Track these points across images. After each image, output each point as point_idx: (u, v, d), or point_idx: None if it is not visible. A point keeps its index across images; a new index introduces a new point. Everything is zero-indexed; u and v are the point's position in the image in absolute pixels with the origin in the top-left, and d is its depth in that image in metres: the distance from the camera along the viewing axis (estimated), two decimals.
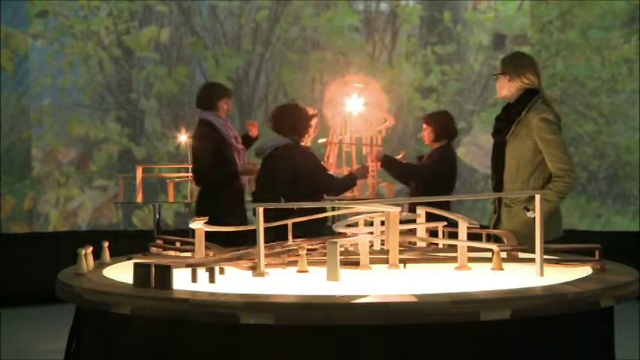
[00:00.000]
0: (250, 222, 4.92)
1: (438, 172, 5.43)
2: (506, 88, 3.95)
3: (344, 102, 5.13)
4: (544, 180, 3.82)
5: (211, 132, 5.09)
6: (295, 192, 4.42)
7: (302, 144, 4.81)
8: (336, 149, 5.19)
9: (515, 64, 3.96)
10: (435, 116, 5.68)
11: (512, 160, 3.88)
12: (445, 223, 3.39)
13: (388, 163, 5.33)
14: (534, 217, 3.74)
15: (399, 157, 5.55)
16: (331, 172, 5.02)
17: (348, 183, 4.94)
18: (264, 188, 4.76)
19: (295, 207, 3.46)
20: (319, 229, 3.55)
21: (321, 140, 5.24)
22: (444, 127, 5.55)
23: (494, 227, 3.93)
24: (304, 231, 3.36)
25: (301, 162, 4.64)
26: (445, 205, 4.35)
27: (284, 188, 4.59)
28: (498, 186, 3.95)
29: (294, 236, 3.36)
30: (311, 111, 4.96)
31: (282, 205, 3.45)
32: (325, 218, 3.90)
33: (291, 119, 4.75)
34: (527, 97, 3.89)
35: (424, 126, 5.61)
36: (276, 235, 3.61)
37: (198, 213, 4.88)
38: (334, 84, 5.42)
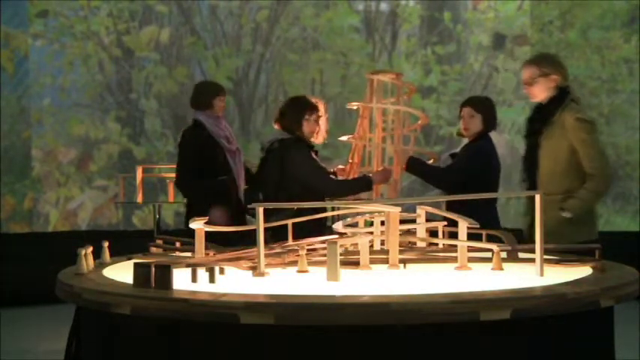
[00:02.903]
0: (249, 222, 4.87)
1: (468, 173, 4.42)
2: (546, 90, 3.84)
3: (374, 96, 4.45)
4: (580, 180, 3.76)
5: (199, 132, 4.92)
6: (283, 191, 4.20)
7: (305, 139, 4.40)
8: (362, 147, 4.53)
9: (552, 62, 3.88)
10: (482, 103, 4.59)
11: (547, 161, 3.81)
12: (445, 223, 3.39)
13: (413, 167, 4.45)
14: (570, 218, 3.75)
15: (429, 162, 4.63)
16: (352, 170, 4.49)
17: (357, 185, 4.35)
18: (256, 186, 4.61)
19: (295, 207, 3.44)
20: (320, 230, 3.49)
21: (343, 138, 4.55)
22: (493, 116, 4.55)
23: (529, 228, 3.74)
24: (305, 232, 3.34)
25: (292, 160, 4.30)
26: (485, 205, 4.02)
27: (271, 188, 4.36)
28: (532, 187, 3.87)
29: (294, 237, 3.34)
30: (317, 103, 4.47)
31: (282, 205, 3.43)
32: (324, 219, 3.83)
33: (283, 111, 4.43)
34: (561, 97, 3.83)
35: (470, 114, 4.48)
36: (272, 236, 3.59)
37: (187, 216, 4.75)
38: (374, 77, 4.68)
